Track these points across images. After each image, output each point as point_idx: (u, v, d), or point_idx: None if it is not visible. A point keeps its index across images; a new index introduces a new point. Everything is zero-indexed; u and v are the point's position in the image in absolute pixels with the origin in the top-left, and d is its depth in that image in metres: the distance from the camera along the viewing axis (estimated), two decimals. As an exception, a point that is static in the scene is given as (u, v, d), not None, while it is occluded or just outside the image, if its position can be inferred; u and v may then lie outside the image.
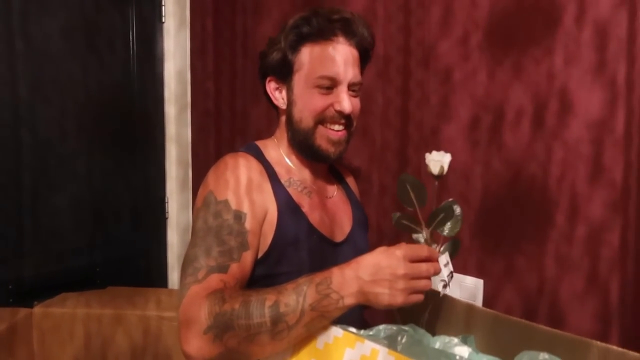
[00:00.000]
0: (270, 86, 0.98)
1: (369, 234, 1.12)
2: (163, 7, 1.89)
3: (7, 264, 1.56)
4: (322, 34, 0.91)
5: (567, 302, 1.12)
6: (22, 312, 1.39)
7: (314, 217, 0.95)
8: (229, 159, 0.92)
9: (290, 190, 0.95)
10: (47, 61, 1.62)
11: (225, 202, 0.85)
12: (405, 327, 0.70)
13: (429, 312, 0.83)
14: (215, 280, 0.77)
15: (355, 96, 0.95)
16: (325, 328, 0.71)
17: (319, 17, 0.92)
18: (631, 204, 1.04)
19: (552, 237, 1.14)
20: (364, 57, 0.98)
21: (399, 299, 0.69)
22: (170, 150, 1.93)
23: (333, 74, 0.91)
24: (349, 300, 0.70)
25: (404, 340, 0.67)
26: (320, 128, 0.93)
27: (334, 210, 1.01)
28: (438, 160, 0.79)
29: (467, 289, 1.26)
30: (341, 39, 0.92)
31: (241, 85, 1.79)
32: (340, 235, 0.99)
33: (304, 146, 0.96)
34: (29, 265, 1.60)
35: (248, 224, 0.85)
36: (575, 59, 1.10)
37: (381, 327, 0.70)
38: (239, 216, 0.85)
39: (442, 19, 1.30)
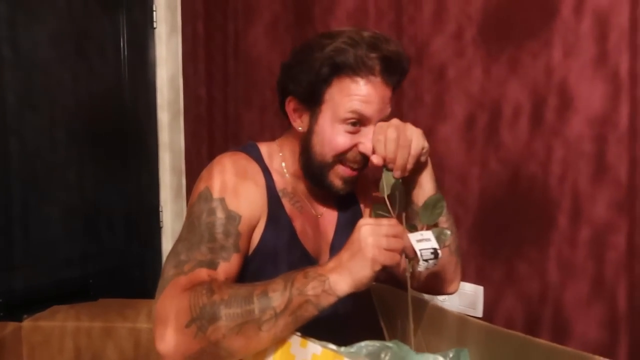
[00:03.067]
0: (290, 106, 0.91)
1: None
2: (154, 13, 1.86)
3: (-3, 277, 1.53)
4: (358, 70, 0.83)
5: (571, 309, 1.06)
6: (11, 326, 1.36)
7: (302, 232, 0.91)
8: (228, 157, 0.88)
9: (283, 200, 0.90)
10: (36, 69, 1.60)
11: (221, 200, 0.81)
12: (389, 344, 0.64)
13: (418, 324, 0.78)
14: (202, 274, 0.73)
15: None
16: (303, 345, 0.66)
17: (358, 50, 0.83)
18: (637, 204, 0.98)
19: (554, 240, 1.08)
20: (396, 88, 0.91)
21: (372, 253, 0.68)
22: (164, 158, 1.89)
23: (363, 111, 0.84)
24: (334, 279, 0.68)
25: (387, 358, 0.62)
26: (338, 166, 0.88)
27: (320, 230, 0.96)
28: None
29: (466, 296, 1.20)
30: (378, 78, 0.84)
31: (233, 90, 1.75)
32: (324, 249, 0.95)
33: (314, 176, 0.90)
34: (19, 277, 1.57)
35: (241, 227, 0.81)
36: (575, 52, 1.04)
37: (363, 343, 0.65)
38: (233, 217, 0.80)
39: (434, 15, 1.25)
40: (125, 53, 1.82)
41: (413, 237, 0.73)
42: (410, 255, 0.73)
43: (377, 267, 0.68)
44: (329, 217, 0.99)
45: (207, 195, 0.82)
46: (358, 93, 0.83)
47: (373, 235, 0.69)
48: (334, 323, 0.95)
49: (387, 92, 0.86)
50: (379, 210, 0.79)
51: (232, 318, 0.66)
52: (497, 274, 1.16)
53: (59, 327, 1.39)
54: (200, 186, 0.84)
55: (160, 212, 1.90)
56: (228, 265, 0.77)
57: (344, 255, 0.69)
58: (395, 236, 0.70)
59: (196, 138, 1.83)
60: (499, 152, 1.15)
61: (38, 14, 1.60)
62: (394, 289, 0.85)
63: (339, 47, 0.83)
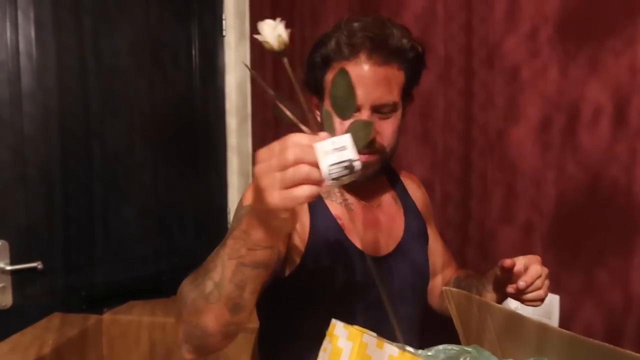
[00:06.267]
0: (312, 102, 0.94)
1: None
2: (224, 21, 1.93)
3: (80, 272, 1.64)
4: (341, 54, 0.84)
5: (659, 322, 0.99)
6: (93, 318, 1.45)
7: (353, 230, 0.91)
8: None
9: (327, 202, 0.91)
10: (116, 76, 1.70)
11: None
12: (468, 348, 0.63)
13: (493, 330, 0.76)
14: None
15: (386, 117, 0.87)
16: (379, 346, 0.66)
17: (341, 36, 0.84)
18: None
19: (639, 248, 1.02)
20: (408, 70, 0.88)
21: (273, 197, 0.54)
22: (232, 161, 1.95)
23: None
24: (252, 232, 0.60)
25: (466, 363, 0.61)
26: None
27: (380, 221, 0.96)
28: (273, 32, 0.63)
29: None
30: (363, 58, 0.83)
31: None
32: (386, 248, 0.94)
33: None
34: (99, 273, 1.68)
35: None
36: (663, 49, 0.99)
37: (441, 347, 0.64)
38: None
39: (507, 15, 1.22)
40: (197, 61, 1.90)
41: (321, 149, 0.55)
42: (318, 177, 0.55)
43: (284, 215, 0.56)
44: (392, 204, 0.99)
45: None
46: None
47: (265, 174, 0.55)
48: (408, 324, 0.94)
49: (378, 73, 0.83)
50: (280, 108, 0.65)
51: (189, 294, 0.67)
52: (575, 282, 1.11)
53: (135, 321, 1.47)
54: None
55: (228, 214, 1.96)
56: None
57: (254, 202, 0.60)
58: (296, 162, 0.53)
59: (263, 142, 1.86)
60: (577, 156, 1.10)
61: (118, 25, 1.70)
62: (469, 295, 0.83)
63: (325, 35, 0.87)
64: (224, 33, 1.94)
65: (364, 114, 0.85)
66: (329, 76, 0.86)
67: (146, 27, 1.77)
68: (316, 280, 0.84)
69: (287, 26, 0.65)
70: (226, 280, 0.63)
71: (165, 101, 1.82)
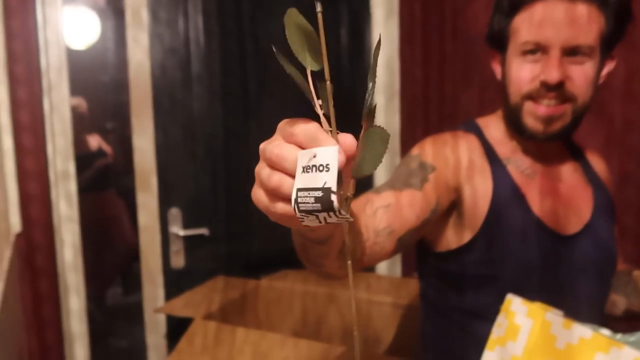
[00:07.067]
0: (495, 59, 0.90)
1: None
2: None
3: (240, 240, 1.78)
4: None
5: None
6: (252, 283, 1.57)
7: (537, 202, 0.84)
8: (442, 133, 0.89)
9: (509, 168, 0.86)
10: (270, 59, 1.80)
11: (418, 156, 0.82)
12: (680, 337, 0.55)
13: None
14: (362, 197, 0.68)
15: (579, 62, 0.78)
16: (567, 326, 0.61)
17: None
18: None
19: None
20: (609, 16, 0.78)
21: (253, 192, 0.43)
22: (378, 139, 1.95)
23: (535, 38, 0.78)
24: None
25: (678, 353, 0.53)
26: (528, 104, 0.81)
27: (567, 196, 0.87)
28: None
29: None
30: None
31: (450, 70, 1.71)
32: (574, 226, 0.86)
33: (512, 124, 0.86)
34: (256, 242, 1.81)
35: (433, 176, 0.78)
36: None
37: (645, 333, 0.57)
38: (425, 167, 0.79)
39: None
40: (345, 40, 1.92)
41: (300, 160, 0.38)
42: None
43: (271, 216, 0.43)
44: (579, 178, 0.91)
45: (406, 157, 0.84)
46: (531, 19, 0.78)
47: (261, 156, 0.42)
48: (589, 308, 0.86)
49: (573, 10, 0.76)
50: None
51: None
52: None
53: (289, 288, 1.56)
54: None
55: (374, 191, 1.98)
56: (395, 194, 0.72)
57: None
58: (272, 164, 0.39)
59: (411, 119, 1.85)
60: None
61: (272, 10, 1.79)
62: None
63: None
64: (371, 10, 1.93)
65: (553, 56, 0.78)
66: (517, 21, 0.81)
67: (299, 10, 1.83)
68: (493, 252, 0.80)
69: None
70: (296, 234, 0.56)
71: (316, 81, 1.88)
